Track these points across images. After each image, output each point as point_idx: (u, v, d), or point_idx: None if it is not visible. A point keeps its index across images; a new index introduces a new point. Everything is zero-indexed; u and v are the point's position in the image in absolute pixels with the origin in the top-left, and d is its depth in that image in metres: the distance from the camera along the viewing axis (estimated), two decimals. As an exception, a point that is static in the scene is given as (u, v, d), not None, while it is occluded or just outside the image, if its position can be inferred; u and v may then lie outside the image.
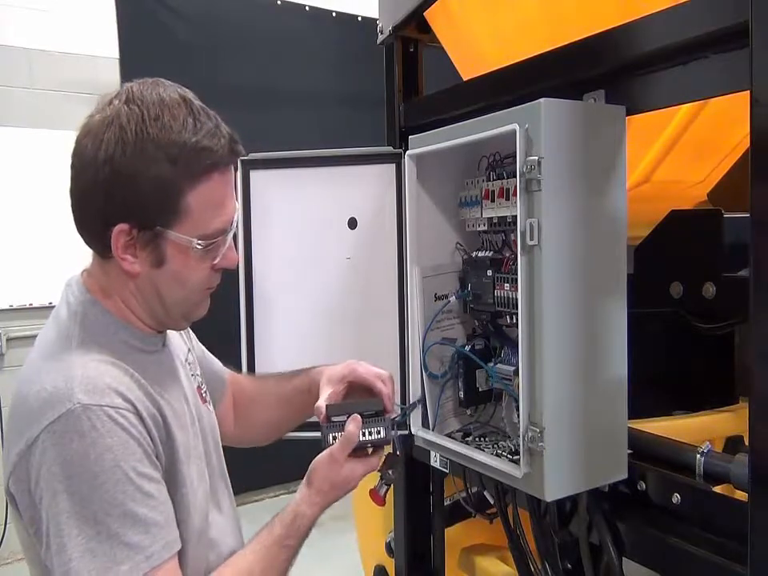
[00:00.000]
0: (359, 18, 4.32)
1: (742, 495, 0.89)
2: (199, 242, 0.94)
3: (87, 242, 0.98)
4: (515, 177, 0.93)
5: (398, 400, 1.41)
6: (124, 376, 0.91)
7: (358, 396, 1.18)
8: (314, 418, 1.41)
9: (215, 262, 0.98)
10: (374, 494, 1.18)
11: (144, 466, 0.88)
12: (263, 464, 3.43)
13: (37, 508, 0.86)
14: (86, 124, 0.93)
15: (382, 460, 1.14)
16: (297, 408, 1.29)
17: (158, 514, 0.88)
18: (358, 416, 1.07)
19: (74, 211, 0.96)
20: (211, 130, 0.93)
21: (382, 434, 1.08)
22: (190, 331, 1.23)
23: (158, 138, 0.89)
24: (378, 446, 1.10)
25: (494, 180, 1.10)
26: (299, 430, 1.42)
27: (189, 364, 1.14)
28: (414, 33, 1.54)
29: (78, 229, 0.97)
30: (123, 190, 0.90)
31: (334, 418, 1.10)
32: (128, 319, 0.99)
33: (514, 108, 0.95)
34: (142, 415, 0.90)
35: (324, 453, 1.06)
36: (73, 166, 0.95)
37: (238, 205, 1.42)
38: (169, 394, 0.99)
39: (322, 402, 1.13)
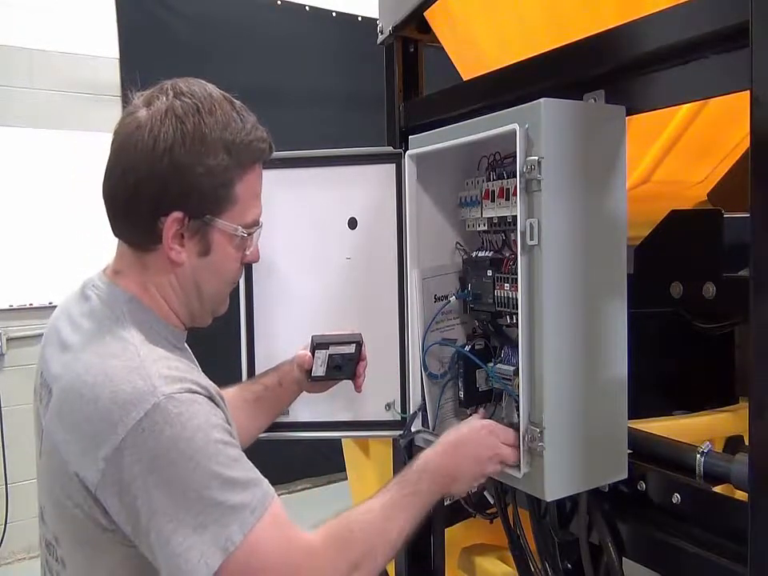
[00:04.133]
0: (359, 18, 4.31)
1: (742, 495, 0.89)
2: (243, 230, 0.99)
3: (129, 235, 0.99)
4: (515, 177, 0.93)
5: (398, 402, 1.41)
6: (185, 367, 0.94)
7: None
8: (316, 418, 1.42)
9: (247, 253, 1.04)
10: None
11: (225, 435, 0.90)
12: (264, 464, 3.43)
13: (132, 506, 0.85)
14: (133, 120, 0.94)
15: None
16: (269, 405, 1.32)
17: (250, 471, 0.90)
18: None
19: (118, 206, 0.96)
20: (255, 125, 0.99)
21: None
22: None
23: (215, 129, 0.94)
24: None
25: (494, 180, 1.11)
26: (300, 430, 1.43)
27: None
28: (414, 33, 1.54)
29: (120, 222, 0.98)
30: (181, 180, 0.92)
31: None
32: (165, 315, 1.00)
33: (514, 108, 0.95)
34: (213, 397, 0.92)
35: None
36: (119, 162, 0.95)
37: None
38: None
39: (301, 352, 1.27)
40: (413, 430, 1.20)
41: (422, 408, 1.20)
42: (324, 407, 1.40)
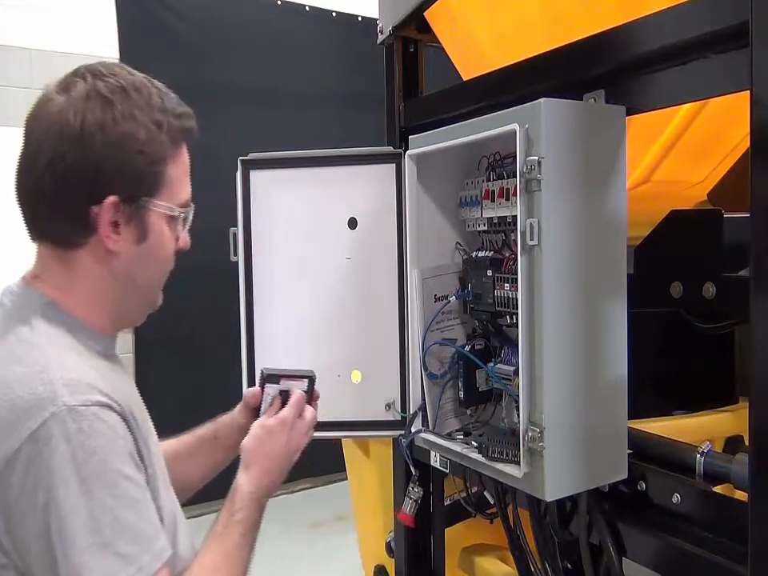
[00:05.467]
0: (359, 18, 4.32)
1: (742, 495, 0.89)
2: (180, 209, 0.97)
3: (55, 234, 0.94)
4: (515, 177, 0.93)
5: (398, 402, 1.42)
6: (99, 377, 0.87)
7: None
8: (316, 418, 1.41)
9: (180, 236, 1.00)
10: (402, 515, 1.17)
11: (130, 468, 0.84)
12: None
13: (19, 526, 0.80)
14: (52, 107, 0.91)
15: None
16: (202, 459, 1.25)
17: (144, 522, 0.84)
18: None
19: (44, 201, 0.91)
20: (180, 102, 0.97)
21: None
22: None
23: (142, 105, 0.91)
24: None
25: (494, 180, 1.11)
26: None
27: None
28: (414, 33, 1.54)
29: (45, 221, 0.93)
30: (114, 160, 0.89)
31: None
32: (90, 318, 0.94)
33: (514, 108, 0.95)
34: (124, 415, 0.86)
35: None
36: (41, 153, 0.89)
37: (239, 205, 1.43)
38: (133, 401, 0.95)
39: (248, 389, 1.21)
40: (413, 430, 1.20)
41: (422, 408, 1.20)
42: (324, 407, 1.39)
